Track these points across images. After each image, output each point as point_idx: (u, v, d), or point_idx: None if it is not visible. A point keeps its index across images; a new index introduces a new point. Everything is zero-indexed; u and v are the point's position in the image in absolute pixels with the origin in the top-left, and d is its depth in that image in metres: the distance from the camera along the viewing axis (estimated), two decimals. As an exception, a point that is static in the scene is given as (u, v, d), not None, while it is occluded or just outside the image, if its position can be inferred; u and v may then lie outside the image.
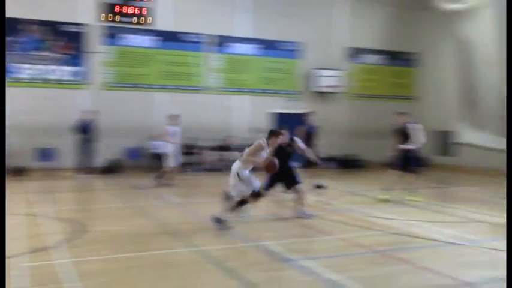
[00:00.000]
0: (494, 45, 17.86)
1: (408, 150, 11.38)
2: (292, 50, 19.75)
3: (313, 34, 19.85)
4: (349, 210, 10.21)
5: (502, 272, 6.05)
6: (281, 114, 19.29)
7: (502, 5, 17.51)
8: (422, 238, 7.80)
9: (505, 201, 10.13)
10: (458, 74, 19.58)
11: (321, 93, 19.97)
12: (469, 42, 19.10)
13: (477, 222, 9.24)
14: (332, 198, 11.82)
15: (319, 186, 13.00)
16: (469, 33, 19.10)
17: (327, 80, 19.76)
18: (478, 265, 6.43)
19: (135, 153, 17.29)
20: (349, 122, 20.48)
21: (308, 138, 13.07)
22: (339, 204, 11.13)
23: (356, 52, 20.88)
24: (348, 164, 19.76)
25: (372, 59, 21.24)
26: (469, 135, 18.98)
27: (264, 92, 19.30)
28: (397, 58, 21.61)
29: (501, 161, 17.27)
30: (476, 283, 5.62)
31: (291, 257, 6.53)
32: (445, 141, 20.38)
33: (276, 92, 19.59)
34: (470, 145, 18.82)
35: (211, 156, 17.59)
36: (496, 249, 7.12)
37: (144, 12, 17.44)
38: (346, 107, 20.66)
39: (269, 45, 19.30)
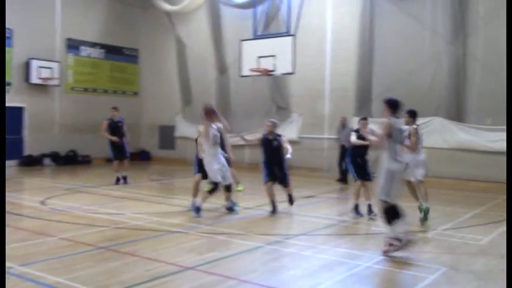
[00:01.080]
0: (208, 46, 19.44)
1: None
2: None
3: (27, 21, 18.25)
4: (71, 208, 9.75)
5: (219, 253, 6.65)
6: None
7: (214, 9, 19.17)
8: (147, 230, 7.97)
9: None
10: (177, 71, 20.68)
11: (37, 85, 18.55)
12: (185, 42, 20.37)
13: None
14: (51, 197, 11.11)
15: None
16: (184, 33, 20.36)
17: (43, 71, 18.46)
18: (199, 249, 6.89)
19: None
20: (67, 116, 19.52)
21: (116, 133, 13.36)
22: (59, 202, 10.51)
23: (75, 44, 20.02)
24: (67, 160, 18.87)
25: (92, 52, 20.67)
26: (186, 129, 20.22)
27: (-33, 82, 16.88)
28: (119, 53, 21.55)
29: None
30: (196, 266, 6.01)
31: (8, 265, 5.86)
32: (166, 136, 21.28)
33: (-18, 83, 17.36)
34: (188, 138, 20.06)
35: None
36: (213, 233, 7.76)
37: None
38: (64, 101, 19.64)
39: (-27, 29, 16.93)
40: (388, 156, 6.47)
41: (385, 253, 6.45)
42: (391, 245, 6.41)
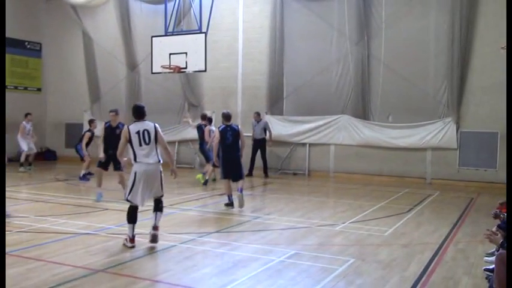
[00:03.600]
0: (117, 42, 18.84)
1: None
2: None
3: None
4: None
5: (131, 254, 6.49)
6: None
7: (123, 3, 18.60)
8: (53, 233, 7.60)
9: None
10: (85, 67, 19.83)
11: None
12: (93, 37, 19.59)
13: (107, 210, 9.58)
14: None
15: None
16: (92, 27, 19.58)
17: None
18: (109, 250, 6.68)
19: None
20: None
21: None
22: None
23: (-29, 36, 18.60)
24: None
25: (-10, 45, 19.30)
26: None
27: None
28: (19, 46, 20.24)
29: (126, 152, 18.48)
30: (108, 268, 5.82)
31: None
32: (73, 134, 20.33)
33: None
34: (97, 136, 19.31)
35: None
36: (124, 234, 7.53)
37: None
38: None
39: None
40: (132, 159, 6.81)
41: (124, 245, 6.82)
42: (126, 240, 6.84)
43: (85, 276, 5.56)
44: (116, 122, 10.63)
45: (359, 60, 15.21)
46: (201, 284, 5.49)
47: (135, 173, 6.75)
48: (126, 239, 6.86)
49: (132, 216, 6.85)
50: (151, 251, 6.68)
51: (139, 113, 6.97)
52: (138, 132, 6.77)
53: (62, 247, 6.84)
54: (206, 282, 5.51)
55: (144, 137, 6.78)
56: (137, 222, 6.85)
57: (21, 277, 5.47)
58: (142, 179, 6.74)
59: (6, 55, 19.66)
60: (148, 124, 6.92)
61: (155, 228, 6.87)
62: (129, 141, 6.78)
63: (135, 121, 6.95)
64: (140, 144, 6.76)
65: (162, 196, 7.08)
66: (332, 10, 15.56)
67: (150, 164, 6.77)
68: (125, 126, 7.02)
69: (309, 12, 15.81)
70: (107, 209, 9.63)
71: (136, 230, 7.79)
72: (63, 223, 8.30)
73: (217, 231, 7.90)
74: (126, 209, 8.81)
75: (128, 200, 6.89)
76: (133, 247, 6.73)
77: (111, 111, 10.79)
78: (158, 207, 7.00)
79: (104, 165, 10.73)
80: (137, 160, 6.75)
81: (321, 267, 6.07)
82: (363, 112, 15.36)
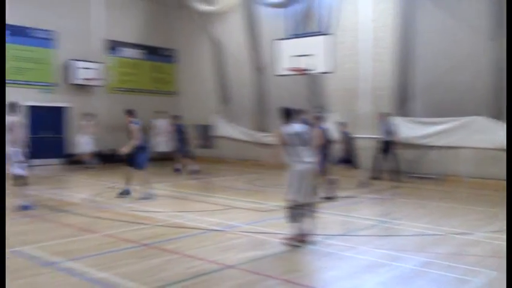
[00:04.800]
0: (244, 46, 19.52)
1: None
2: (45, 39, 18.31)
3: (70, 24, 18.75)
4: (114, 206, 9.98)
5: (259, 252, 6.69)
6: (35, 107, 17.80)
7: (249, 9, 19.23)
8: (187, 228, 8.08)
9: (259, 188, 11.10)
10: (214, 71, 20.84)
11: (79, 86, 19.03)
12: (221, 42, 20.50)
13: (236, 208, 9.97)
14: (96, 195, 11.39)
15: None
16: (220, 33, 20.49)
17: (85, 72, 18.91)
18: (239, 248, 6.95)
19: None
20: (109, 116, 19.89)
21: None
22: (103, 200, 10.78)
23: (115, 45, 20.44)
24: (109, 159, 19.24)
25: (131, 53, 21.08)
26: (224, 128, 20.37)
27: (14, 82, 17.34)
28: (156, 53, 21.90)
29: (253, 152, 19.07)
30: (237, 264, 6.07)
31: (54, 260, 6.08)
32: (205, 135, 21.41)
33: (27, 83, 17.93)
34: (226, 138, 20.22)
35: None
36: (253, 232, 7.80)
37: None
38: (106, 101, 20.08)
39: (17, 32, 17.48)
40: (292, 159, 7.00)
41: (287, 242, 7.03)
42: (292, 239, 7.03)
43: (216, 272, 5.85)
44: (128, 120, 11.12)
45: (494, 58, 14.15)
46: (328, 286, 5.51)
47: (294, 172, 6.98)
48: (291, 239, 7.02)
49: (293, 215, 7.05)
50: (280, 251, 6.82)
51: (290, 115, 7.24)
52: (294, 134, 7.05)
53: (195, 242, 7.25)
54: (333, 285, 5.51)
55: (301, 138, 7.08)
56: (266, 221, 7.02)
57: (158, 268, 5.91)
58: (299, 177, 6.95)
59: (147, 62, 21.41)
60: (301, 126, 7.24)
61: (304, 236, 7.05)
62: (286, 141, 7.01)
63: (287, 123, 7.16)
64: (299, 145, 7.02)
65: (314, 199, 7.21)
66: (464, 4, 14.65)
67: (306, 162, 7.02)
68: (279, 129, 7.23)
69: (438, 7, 15.05)
70: (236, 208, 10.02)
71: (264, 229, 8.04)
72: (195, 219, 8.80)
73: (343, 234, 7.85)
74: (255, 208, 9.13)
75: (289, 200, 7.06)
76: (301, 245, 6.93)
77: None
78: (310, 214, 7.14)
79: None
80: (295, 159, 6.98)
81: (453, 277, 5.76)
82: (499, 113, 14.25)
